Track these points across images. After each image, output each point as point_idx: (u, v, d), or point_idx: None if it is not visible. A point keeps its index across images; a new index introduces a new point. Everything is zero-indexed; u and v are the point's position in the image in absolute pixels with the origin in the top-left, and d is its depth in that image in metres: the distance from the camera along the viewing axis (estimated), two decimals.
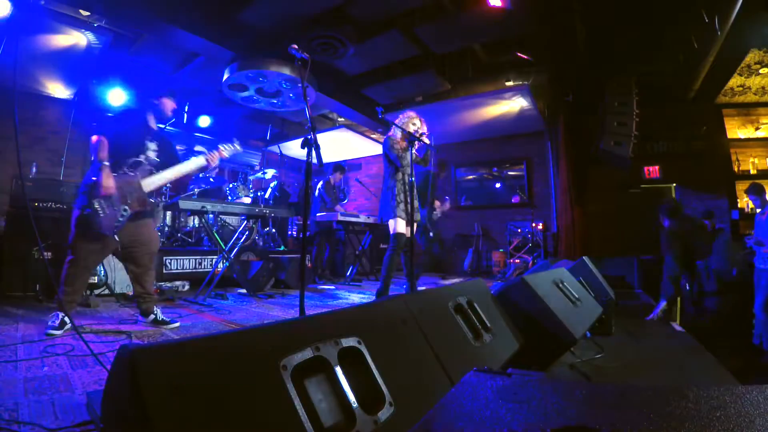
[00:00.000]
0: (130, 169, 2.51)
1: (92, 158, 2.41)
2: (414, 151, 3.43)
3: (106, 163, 2.35)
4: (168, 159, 2.74)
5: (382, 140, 8.27)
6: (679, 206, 4.54)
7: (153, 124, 2.72)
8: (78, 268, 2.39)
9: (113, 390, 0.64)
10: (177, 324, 2.63)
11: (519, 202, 7.72)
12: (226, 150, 2.90)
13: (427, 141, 3.54)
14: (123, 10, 4.14)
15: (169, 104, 2.75)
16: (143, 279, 2.61)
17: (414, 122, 3.54)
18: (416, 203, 3.48)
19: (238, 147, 2.98)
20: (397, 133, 3.51)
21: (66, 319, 2.30)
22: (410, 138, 3.22)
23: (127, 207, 2.44)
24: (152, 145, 2.64)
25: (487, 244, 7.84)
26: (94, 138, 2.38)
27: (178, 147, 5.36)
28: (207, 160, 2.78)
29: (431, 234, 4.21)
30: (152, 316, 2.61)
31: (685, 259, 4.22)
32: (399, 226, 3.43)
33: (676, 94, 6.04)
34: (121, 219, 2.41)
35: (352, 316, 1.03)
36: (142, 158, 2.56)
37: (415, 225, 3.41)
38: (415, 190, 3.40)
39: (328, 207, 5.85)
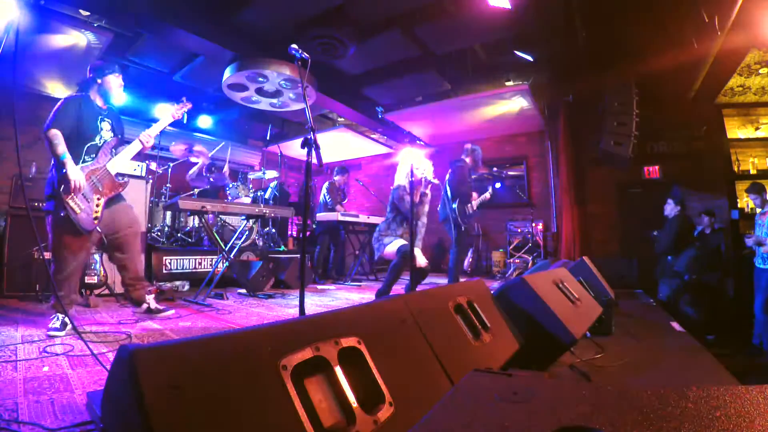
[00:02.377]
0: (90, 156, 2.43)
1: (51, 158, 2.30)
2: (419, 194, 3.50)
3: (67, 155, 2.26)
4: (120, 134, 2.67)
5: (382, 140, 8.33)
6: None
7: (101, 103, 2.60)
8: (66, 273, 2.35)
9: (113, 390, 0.64)
10: (171, 311, 2.59)
11: (518, 202, 7.72)
12: (182, 107, 2.86)
13: (434, 181, 3.56)
14: (123, 10, 4.14)
15: (114, 81, 2.61)
16: (132, 264, 2.53)
17: (416, 167, 3.51)
18: (422, 233, 3.56)
19: (187, 104, 2.91)
20: (405, 182, 3.49)
21: (66, 319, 2.28)
22: (412, 186, 3.22)
23: (100, 196, 2.38)
24: (105, 125, 2.56)
25: (487, 244, 7.84)
26: (45, 136, 2.28)
27: (178, 147, 5.41)
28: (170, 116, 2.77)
29: (462, 228, 4.24)
30: (145, 305, 2.55)
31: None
32: (398, 243, 3.44)
33: (676, 94, 6.04)
34: (98, 209, 2.36)
35: (352, 316, 1.03)
36: (98, 140, 2.49)
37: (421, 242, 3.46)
38: (417, 232, 3.47)
39: (329, 207, 5.86)
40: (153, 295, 2.72)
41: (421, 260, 3.39)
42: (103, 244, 2.54)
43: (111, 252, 2.59)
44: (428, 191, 3.67)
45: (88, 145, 2.43)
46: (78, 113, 2.43)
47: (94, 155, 2.44)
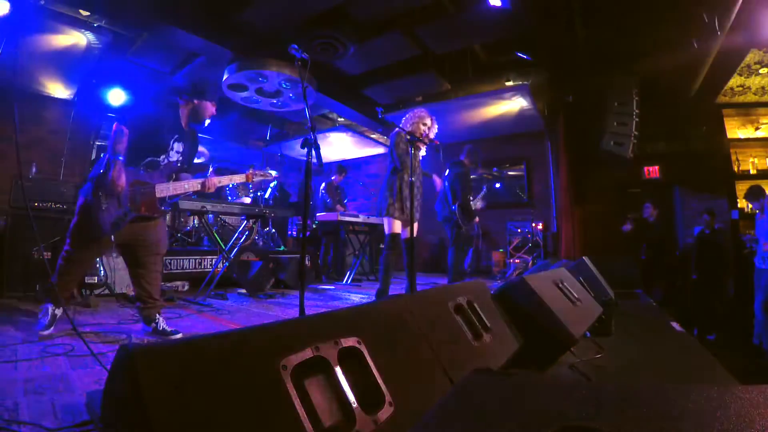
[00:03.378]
0: (147, 169, 2.29)
1: (108, 147, 2.19)
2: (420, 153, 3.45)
3: (121, 158, 2.13)
4: (189, 162, 2.53)
5: (382, 140, 8.33)
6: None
7: (185, 124, 2.48)
8: (72, 262, 2.27)
9: (113, 390, 0.64)
10: (179, 335, 2.42)
11: (518, 202, 7.72)
12: (257, 176, 2.78)
13: (426, 141, 3.52)
14: (123, 10, 4.14)
15: (209, 109, 2.51)
16: (147, 281, 2.39)
17: (425, 122, 3.49)
18: (416, 203, 3.46)
19: (272, 173, 2.85)
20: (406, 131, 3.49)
21: (57, 312, 2.23)
22: (412, 139, 3.20)
23: (132, 210, 2.23)
24: (178, 146, 2.41)
25: (487, 244, 7.84)
26: (114, 126, 2.17)
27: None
28: (244, 177, 2.68)
29: (462, 228, 4.25)
30: (154, 325, 2.40)
31: None
32: (394, 226, 3.39)
33: (676, 94, 6.04)
34: (123, 220, 2.22)
35: (352, 316, 1.03)
36: (162, 159, 2.34)
37: (416, 225, 3.40)
38: (416, 191, 3.38)
39: (329, 207, 5.86)
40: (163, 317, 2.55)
41: (395, 227, 3.34)
42: (110, 253, 2.41)
43: (131, 265, 2.44)
44: (424, 151, 3.62)
45: (150, 159, 2.30)
46: (158, 123, 2.32)
47: (150, 170, 2.30)
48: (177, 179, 2.44)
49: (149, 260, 2.40)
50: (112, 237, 2.25)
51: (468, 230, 4.37)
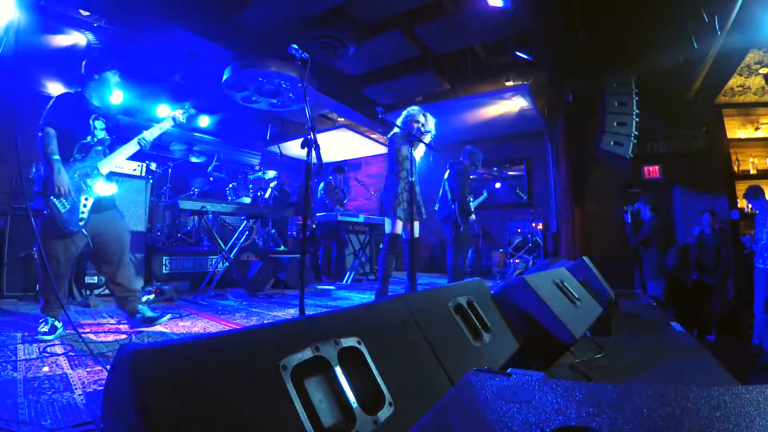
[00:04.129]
0: (80, 154, 2.34)
1: (41, 156, 2.23)
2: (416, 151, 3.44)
3: (57, 157, 2.18)
4: (116, 134, 2.57)
5: (382, 140, 8.33)
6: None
7: (96, 101, 2.51)
8: (55, 275, 2.22)
9: (113, 390, 0.64)
10: (167, 316, 2.48)
11: (518, 202, 7.72)
12: (185, 113, 2.76)
13: (425, 141, 3.53)
14: (123, 10, 4.14)
15: (112, 79, 2.52)
16: (122, 277, 2.41)
17: (417, 119, 3.49)
18: (419, 201, 3.48)
19: (190, 110, 2.82)
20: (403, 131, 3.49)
21: (56, 323, 2.23)
22: (410, 138, 3.21)
23: (87, 196, 2.30)
24: (99, 124, 2.46)
25: (487, 244, 7.84)
26: (38, 136, 2.21)
27: (178, 147, 5.42)
28: (171, 121, 2.67)
29: (461, 229, 4.26)
30: (139, 315, 2.42)
31: None
32: (396, 226, 3.41)
33: (676, 94, 6.04)
34: (84, 210, 2.27)
35: (352, 316, 1.03)
36: (89, 139, 2.39)
37: (417, 223, 3.41)
38: (417, 189, 3.40)
39: (329, 208, 5.86)
40: (146, 304, 2.60)
41: (397, 227, 3.35)
42: (89, 248, 2.39)
43: (99, 264, 2.47)
44: (422, 150, 3.59)
45: (80, 143, 2.35)
46: (70, 111, 2.34)
47: (84, 154, 2.36)
48: (107, 154, 2.49)
49: (117, 254, 2.43)
50: (84, 231, 2.28)
51: (467, 230, 4.38)
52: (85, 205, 2.29)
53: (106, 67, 2.49)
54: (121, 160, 2.52)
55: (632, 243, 5.60)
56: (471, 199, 4.56)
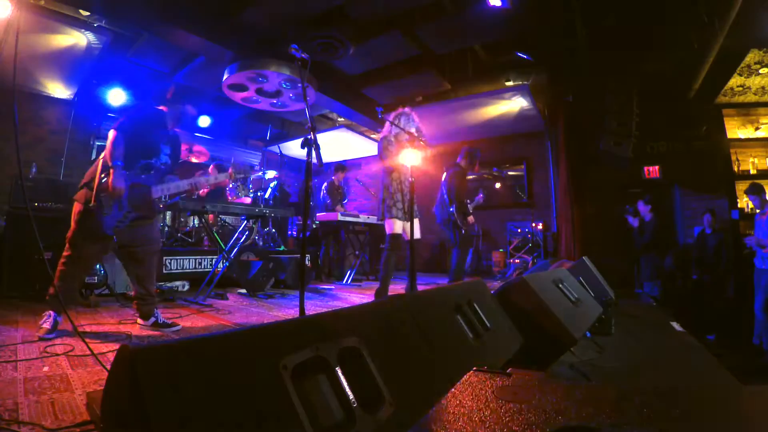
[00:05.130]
0: (142, 172, 2.46)
1: (107, 154, 2.32)
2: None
3: (119, 163, 2.29)
4: (175, 162, 2.70)
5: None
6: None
7: (171, 127, 2.68)
8: (75, 266, 2.34)
9: (113, 390, 0.64)
10: (179, 327, 2.58)
11: (518, 202, 7.72)
12: (239, 174, 3.00)
13: (422, 143, 3.52)
14: (123, 10, 4.14)
15: (190, 112, 2.73)
16: (146, 280, 2.53)
17: (397, 121, 3.49)
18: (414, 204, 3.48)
19: (254, 167, 3.02)
20: (391, 134, 3.51)
21: (59, 319, 2.25)
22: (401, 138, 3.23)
23: (132, 210, 2.40)
24: (166, 149, 2.60)
25: (487, 244, 7.84)
26: (112, 133, 2.31)
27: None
28: (227, 176, 2.88)
29: (462, 230, 4.26)
30: (153, 319, 2.53)
31: None
32: (394, 227, 3.43)
33: (676, 94, 6.03)
34: (124, 221, 2.38)
35: (352, 316, 1.03)
36: (154, 161, 2.52)
37: (417, 222, 3.41)
38: (406, 188, 3.42)
39: (330, 207, 5.87)
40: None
41: (396, 227, 3.37)
42: (118, 252, 2.56)
43: (127, 263, 2.61)
44: (413, 149, 3.57)
45: (145, 161, 2.47)
46: (149, 127, 2.49)
47: (146, 174, 2.47)
48: (163, 181, 2.60)
49: (146, 258, 2.54)
50: (114, 237, 2.40)
51: (468, 230, 4.38)
52: (125, 217, 2.39)
53: (189, 102, 2.68)
54: (173, 192, 2.63)
55: (637, 246, 5.60)
56: (469, 202, 4.56)
